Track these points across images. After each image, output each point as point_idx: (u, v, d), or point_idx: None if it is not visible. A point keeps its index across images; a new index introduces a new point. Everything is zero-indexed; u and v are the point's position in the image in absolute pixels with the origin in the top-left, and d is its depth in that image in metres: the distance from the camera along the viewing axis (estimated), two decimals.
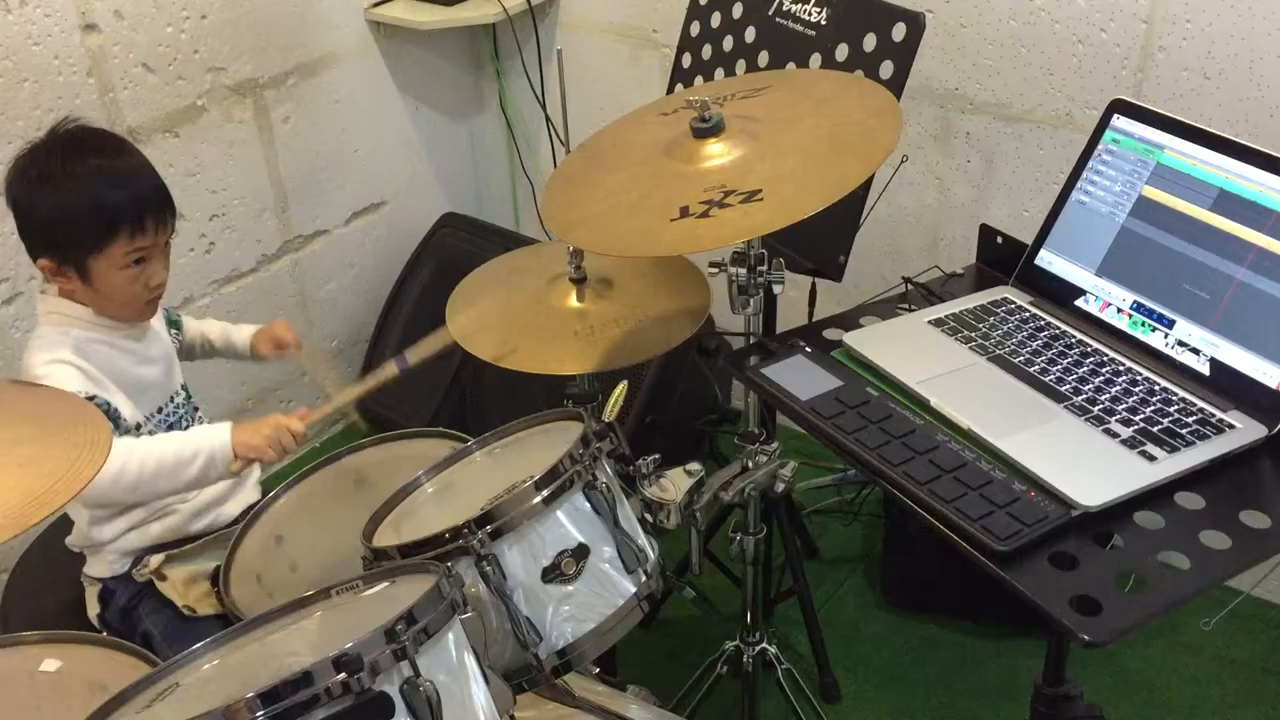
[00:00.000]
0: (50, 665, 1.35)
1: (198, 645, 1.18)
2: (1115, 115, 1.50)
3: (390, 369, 1.71)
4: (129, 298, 1.62)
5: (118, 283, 1.59)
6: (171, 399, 1.73)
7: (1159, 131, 1.45)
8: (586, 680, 1.61)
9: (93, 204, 1.55)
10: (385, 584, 1.23)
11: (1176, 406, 1.31)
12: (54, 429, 1.16)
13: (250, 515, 1.68)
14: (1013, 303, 1.53)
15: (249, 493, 1.80)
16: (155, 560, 1.69)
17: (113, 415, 1.61)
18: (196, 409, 1.80)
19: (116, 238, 1.56)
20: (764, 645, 1.99)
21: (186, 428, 1.74)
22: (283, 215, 2.69)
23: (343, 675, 0.99)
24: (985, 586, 1.20)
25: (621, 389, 1.58)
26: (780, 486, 1.68)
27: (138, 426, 1.66)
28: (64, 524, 1.73)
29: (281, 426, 1.61)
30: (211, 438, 1.59)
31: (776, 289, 1.58)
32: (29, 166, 1.58)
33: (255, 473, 1.84)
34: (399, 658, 1.03)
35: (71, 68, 2.21)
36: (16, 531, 0.99)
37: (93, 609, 1.73)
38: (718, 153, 1.43)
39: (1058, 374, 1.38)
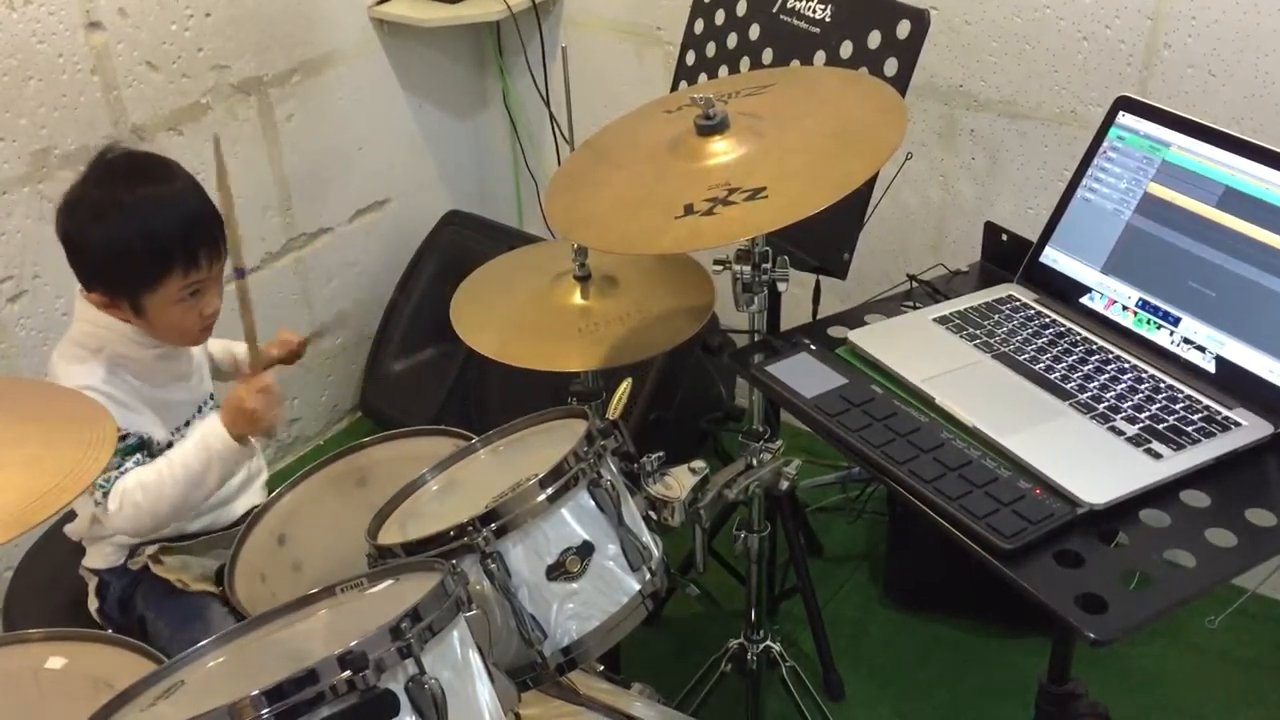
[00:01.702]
0: (55, 663, 1.35)
1: (203, 643, 1.18)
2: (1121, 112, 1.49)
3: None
4: (183, 329, 1.62)
5: (172, 317, 1.59)
6: (199, 410, 1.73)
7: (1164, 129, 1.45)
8: (591, 678, 1.61)
9: (147, 242, 1.54)
10: (390, 582, 1.23)
11: (1182, 404, 1.31)
12: (58, 427, 1.16)
13: (253, 515, 1.68)
14: (1018, 300, 1.53)
15: (254, 495, 1.80)
16: (151, 549, 1.69)
17: (145, 443, 1.61)
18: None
19: (171, 275, 1.55)
20: (768, 643, 1.98)
21: None
22: (286, 213, 2.69)
23: (348, 673, 0.99)
24: (989, 585, 1.20)
25: (626, 386, 1.58)
26: (784, 484, 1.68)
27: (170, 446, 1.65)
28: (68, 521, 1.73)
29: (249, 392, 1.56)
30: (211, 438, 1.57)
31: (781, 287, 1.57)
32: (80, 200, 1.56)
33: (263, 475, 1.85)
34: (404, 655, 1.03)
35: (76, 65, 2.21)
36: (21, 530, 0.99)
37: (93, 603, 1.73)
38: (722, 150, 1.43)
39: (1063, 371, 1.38)
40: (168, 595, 1.67)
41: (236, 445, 1.57)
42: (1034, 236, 1.57)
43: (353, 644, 1.00)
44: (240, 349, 1.87)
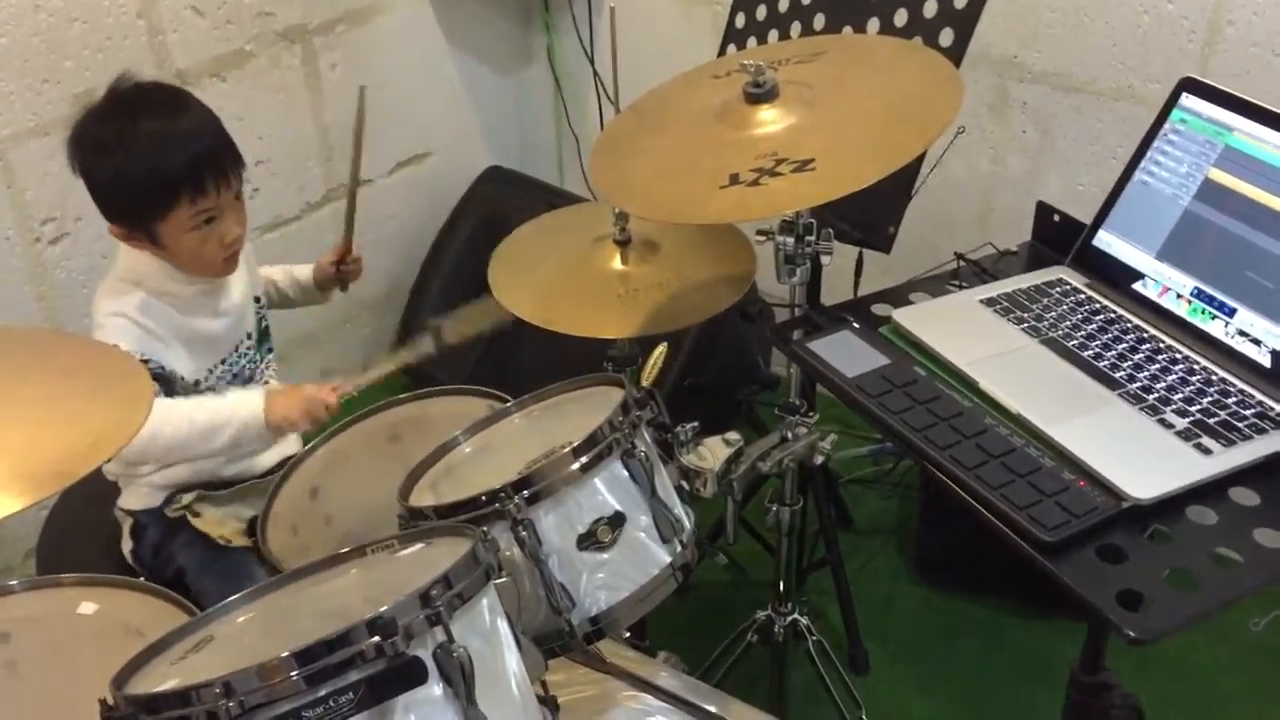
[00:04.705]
0: (87, 608, 1.36)
1: (233, 598, 1.18)
2: (1184, 94, 1.45)
3: (427, 345, 1.72)
4: (204, 257, 1.61)
5: (189, 244, 1.59)
6: (236, 348, 1.73)
7: (1229, 112, 1.40)
8: (616, 645, 1.61)
9: (149, 172, 1.53)
10: (421, 545, 1.22)
11: (1234, 398, 1.28)
12: (97, 385, 1.16)
13: (288, 467, 1.69)
14: (1068, 284, 1.49)
15: (288, 444, 1.80)
16: (187, 497, 1.70)
17: (167, 376, 1.62)
18: (271, 349, 1.82)
19: (178, 203, 1.55)
20: (795, 616, 1.98)
21: (251, 375, 1.75)
22: (327, 164, 2.68)
23: (377, 638, 0.99)
24: (1019, 565, 1.18)
25: (661, 351, 1.57)
26: (819, 458, 1.66)
27: (197, 384, 1.66)
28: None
29: (315, 399, 1.62)
30: (245, 406, 1.60)
31: (824, 259, 1.55)
32: (85, 133, 1.56)
33: None
34: (433, 623, 1.02)
35: (121, 8, 2.20)
36: (57, 487, 0.99)
37: (126, 544, 1.74)
38: (770, 119, 1.40)
39: (1112, 360, 1.35)
40: (209, 550, 1.69)
41: (263, 422, 1.60)
42: (1083, 214, 1.54)
43: (383, 609, 0.99)
44: (300, 270, 1.90)
